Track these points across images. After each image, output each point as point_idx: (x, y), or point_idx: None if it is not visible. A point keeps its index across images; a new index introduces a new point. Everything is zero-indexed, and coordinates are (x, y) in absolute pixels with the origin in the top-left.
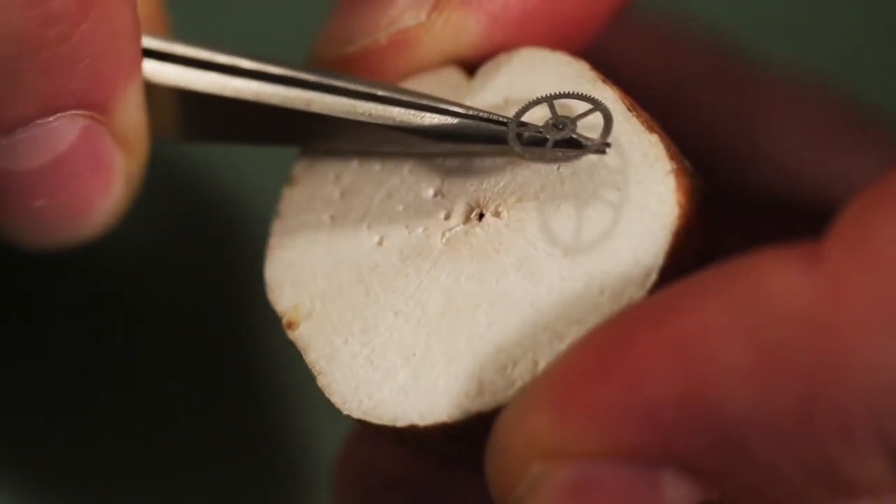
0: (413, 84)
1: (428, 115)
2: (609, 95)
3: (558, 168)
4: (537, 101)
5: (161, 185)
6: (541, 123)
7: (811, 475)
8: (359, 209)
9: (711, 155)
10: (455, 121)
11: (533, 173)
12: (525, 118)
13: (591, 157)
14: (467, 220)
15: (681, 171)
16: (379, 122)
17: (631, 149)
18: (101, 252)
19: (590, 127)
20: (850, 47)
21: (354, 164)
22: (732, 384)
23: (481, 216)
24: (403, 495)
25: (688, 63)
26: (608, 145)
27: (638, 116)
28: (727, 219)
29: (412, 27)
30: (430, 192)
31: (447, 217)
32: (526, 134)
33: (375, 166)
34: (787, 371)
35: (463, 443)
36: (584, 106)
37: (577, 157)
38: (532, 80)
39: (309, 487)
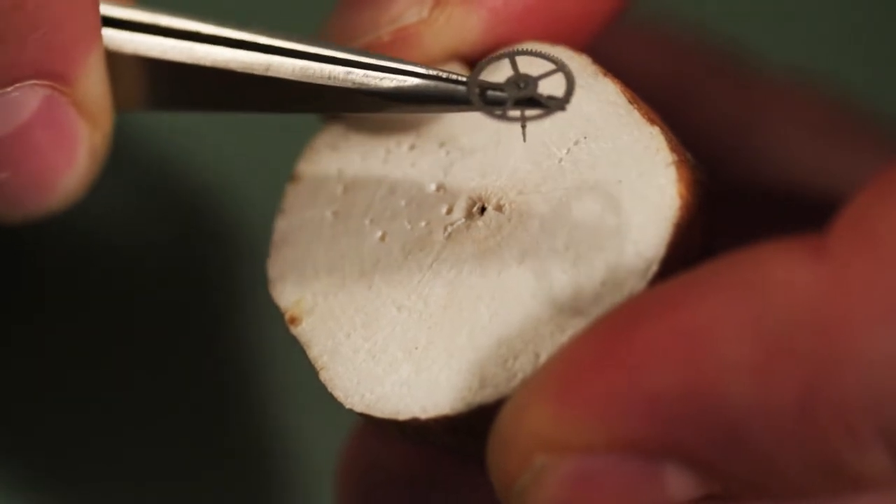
0: None
1: (388, 76)
2: (611, 88)
3: (560, 161)
4: (497, 57)
5: (163, 182)
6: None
7: (813, 468)
8: (361, 204)
9: (713, 154)
10: (416, 81)
11: (534, 166)
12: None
13: (594, 152)
14: (469, 213)
15: (682, 164)
16: (338, 84)
17: (632, 141)
18: (102, 249)
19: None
20: (849, 47)
21: (357, 159)
22: (734, 377)
23: (483, 210)
24: (407, 491)
25: (688, 64)
26: (568, 102)
27: (639, 109)
28: (728, 215)
29: (414, 24)
30: (432, 186)
31: (449, 211)
32: (487, 92)
33: (378, 161)
34: (789, 364)
35: (465, 435)
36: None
37: (538, 117)
38: (533, 73)
39: (312, 485)
